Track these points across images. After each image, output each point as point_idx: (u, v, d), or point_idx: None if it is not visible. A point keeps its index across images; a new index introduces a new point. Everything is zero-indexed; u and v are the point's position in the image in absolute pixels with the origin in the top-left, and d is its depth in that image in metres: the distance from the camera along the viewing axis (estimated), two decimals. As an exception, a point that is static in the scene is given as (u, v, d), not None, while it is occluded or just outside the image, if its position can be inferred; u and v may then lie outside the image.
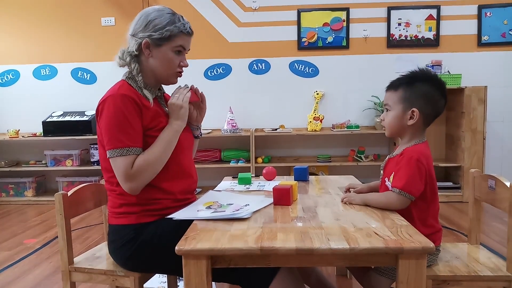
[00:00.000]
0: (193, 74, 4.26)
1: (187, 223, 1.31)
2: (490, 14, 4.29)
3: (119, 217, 1.49)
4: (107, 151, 1.43)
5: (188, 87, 1.61)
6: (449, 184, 4.08)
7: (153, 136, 1.48)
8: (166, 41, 1.50)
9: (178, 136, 1.52)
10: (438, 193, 1.51)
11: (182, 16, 1.55)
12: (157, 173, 1.46)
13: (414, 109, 1.47)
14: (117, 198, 1.50)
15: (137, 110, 1.45)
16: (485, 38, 4.32)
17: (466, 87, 3.88)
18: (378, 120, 4.21)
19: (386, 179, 1.52)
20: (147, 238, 1.43)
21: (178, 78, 1.61)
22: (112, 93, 1.45)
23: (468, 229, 1.76)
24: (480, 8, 4.29)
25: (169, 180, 1.51)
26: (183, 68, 1.60)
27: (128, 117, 1.42)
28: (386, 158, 1.61)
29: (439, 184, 3.99)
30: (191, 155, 1.69)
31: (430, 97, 1.48)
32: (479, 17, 4.30)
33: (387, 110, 1.56)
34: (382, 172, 1.60)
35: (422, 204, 1.45)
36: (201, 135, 1.76)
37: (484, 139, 3.91)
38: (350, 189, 1.71)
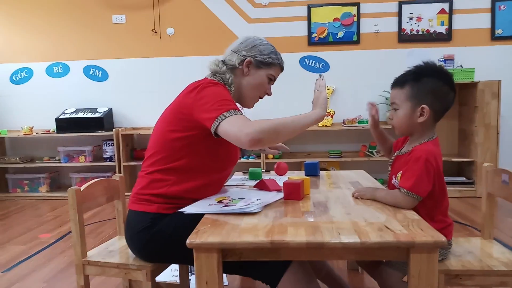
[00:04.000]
0: (203, 70, 4.26)
1: (201, 217, 1.32)
2: (504, 7, 4.22)
3: (141, 203, 1.50)
4: (216, 118, 1.36)
5: (320, 76, 1.65)
6: (462, 179, 4.03)
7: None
8: (266, 67, 1.65)
9: (311, 125, 1.49)
10: (451, 188, 1.49)
11: (280, 54, 1.71)
12: (274, 141, 1.42)
13: (424, 106, 1.44)
14: (148, 182, 1.50)
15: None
16: (499, 31, 4.25)
17: (479, 81, 3.80)
18: (388, 115, 4.18)
19: (394, 176, 1.51)
20: (162, 229, 1.45)
21: (255, 104, 1.72)
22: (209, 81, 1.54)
23: (481, 224, 1.74)
24: (494, 1, 4.22)
25: (205, 193, 1.54)
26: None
27: (231, 99, 1.48)
28: (394, 154, 1.59)
29: (452, 179, 3.99)
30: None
31: (439, 91, 1.45)
32: (493, 10, 4.24)
33: (394, 110, 1.53)
34: (390, 168, 1.58)
35: (430, 202, 1.43)
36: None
37: (498, 134, 3.86)
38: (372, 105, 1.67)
